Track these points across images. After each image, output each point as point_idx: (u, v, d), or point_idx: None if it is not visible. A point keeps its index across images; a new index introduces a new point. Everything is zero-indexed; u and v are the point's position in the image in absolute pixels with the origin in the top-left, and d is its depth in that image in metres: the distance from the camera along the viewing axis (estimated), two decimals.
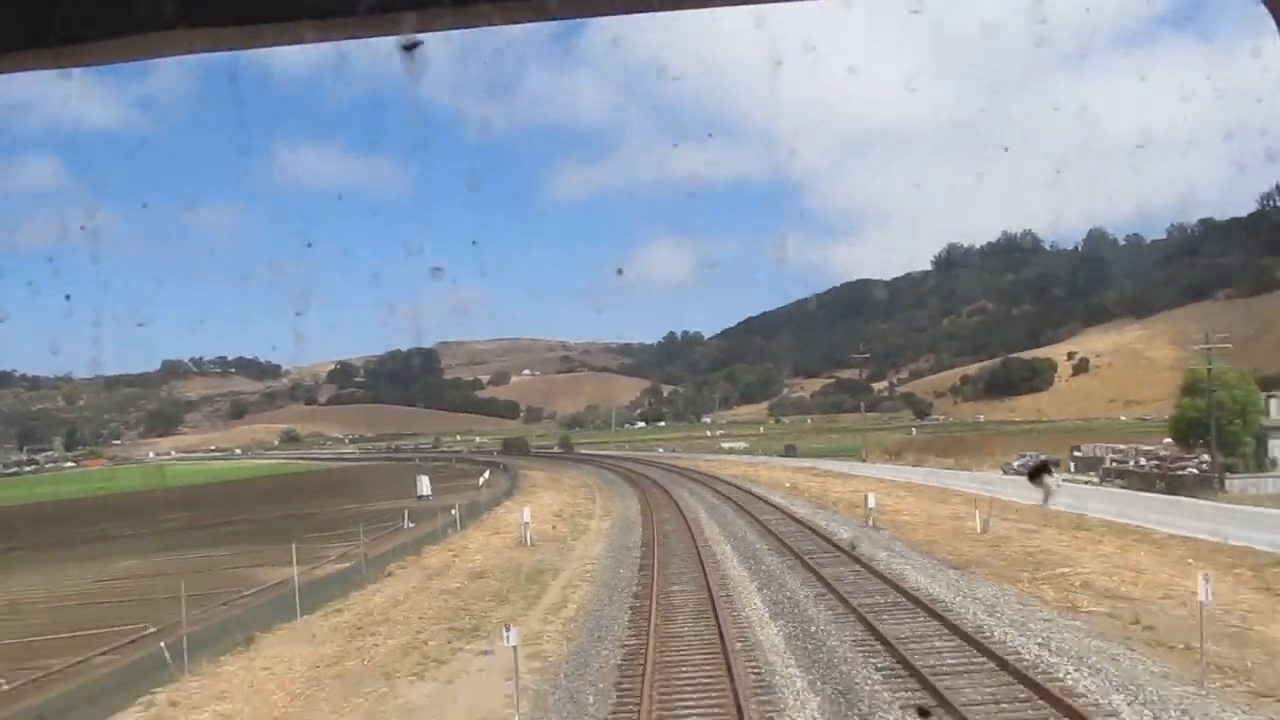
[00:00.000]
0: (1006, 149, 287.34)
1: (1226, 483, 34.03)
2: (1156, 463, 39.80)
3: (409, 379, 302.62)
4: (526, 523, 25.19)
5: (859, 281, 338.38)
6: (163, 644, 15.87)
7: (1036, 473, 39.07)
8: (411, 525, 37.84)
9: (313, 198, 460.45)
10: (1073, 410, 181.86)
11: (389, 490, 70.94)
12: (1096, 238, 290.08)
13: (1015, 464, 48.30)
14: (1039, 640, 13.38)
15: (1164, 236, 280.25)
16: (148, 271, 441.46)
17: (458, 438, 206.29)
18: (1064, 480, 40.63)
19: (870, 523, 26.34)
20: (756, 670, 12.65)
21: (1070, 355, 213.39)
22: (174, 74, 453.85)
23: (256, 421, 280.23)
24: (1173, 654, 12.61)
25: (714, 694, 11.66)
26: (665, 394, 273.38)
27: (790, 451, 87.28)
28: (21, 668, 17.74)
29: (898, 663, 12.54)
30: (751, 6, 0.92)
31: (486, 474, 52.75)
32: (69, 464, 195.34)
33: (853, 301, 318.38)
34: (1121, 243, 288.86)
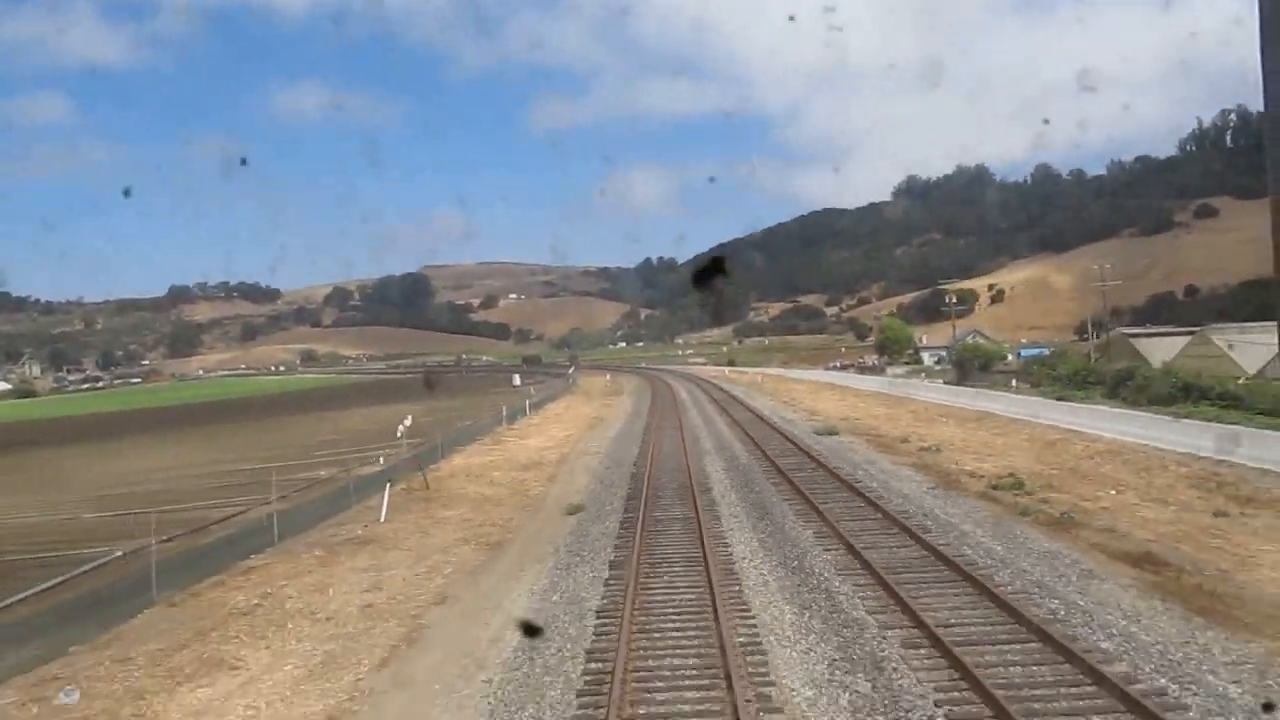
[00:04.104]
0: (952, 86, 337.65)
1: (887, 369, 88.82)
2: (870, 363, 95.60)
3: (404, 302, 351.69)
4: (608, 379, 79.99)
5: (825, 210, 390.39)
6: (505, 408, 69.82)
7: None
8: (533, 392, 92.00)
9: (303, 130, 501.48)
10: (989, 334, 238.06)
11: (482, 384, 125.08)
12: (1043, 172, 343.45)
13: (830, 365, 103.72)
14: (736, 388, 68.41)
15: (1104, 172, 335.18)
16: (147, 200, 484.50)
17: (464, 356, 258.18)
18: (835, 370, 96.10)
19: (725, 377, 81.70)
20: (671, 389, 67.71)
21: (991, 286, 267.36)
22: (177, 14, 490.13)
23: (268, 343, 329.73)
24: (759, 391, 67.68)
25: (661, 380, 66.72)
26: (643, 317, 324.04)
27: (732, 363, 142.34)
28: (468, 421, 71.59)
29: (698, 386, 67.58)
30: None
31: (572, 369, 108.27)
32: (135, 380, 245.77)
33: (819, 230, 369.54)
34: (1065, 177, 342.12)
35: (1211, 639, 10.82)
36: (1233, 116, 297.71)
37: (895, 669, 10.14)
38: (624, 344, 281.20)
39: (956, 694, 9.31)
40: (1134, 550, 15.50)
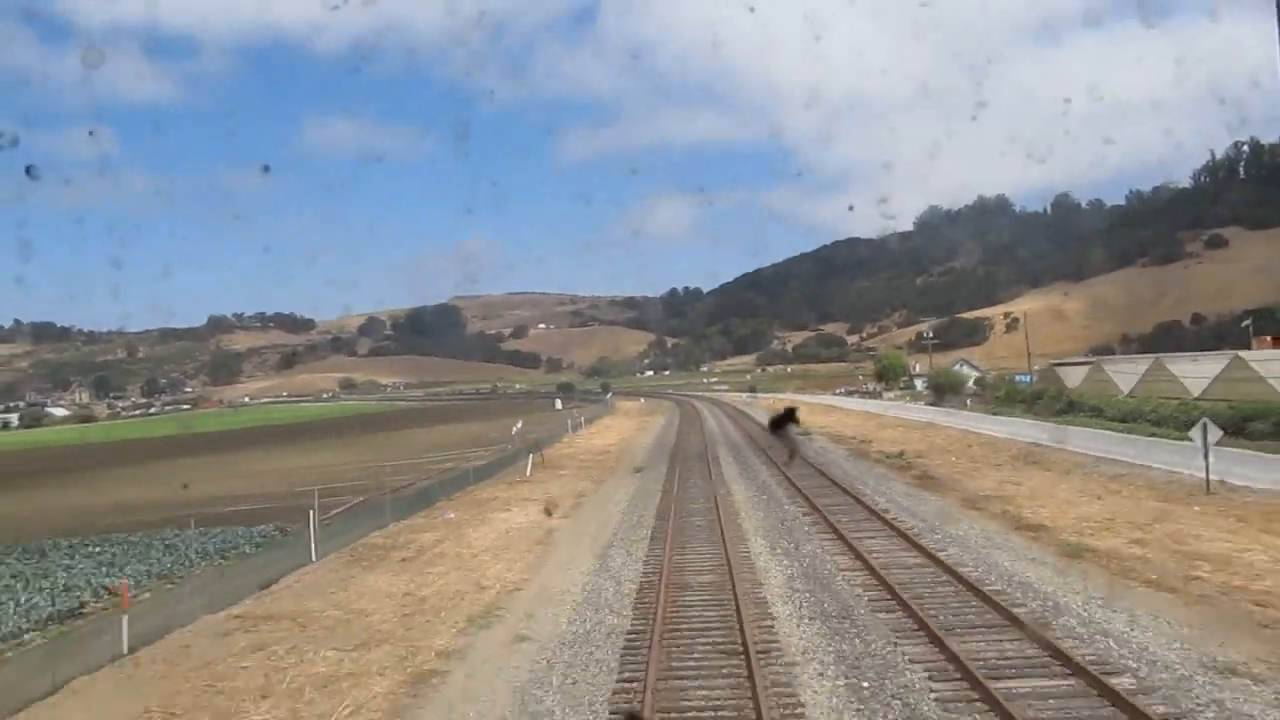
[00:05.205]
0: (976, 116, 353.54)
1: (883, 393, 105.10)
2: (870, 388, 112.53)
3: (437, 332, 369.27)
4: (642, 401, 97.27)
5: (847, 240, 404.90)
6: (569, 421, 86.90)
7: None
8: (577, 413, 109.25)
9: (339, 164, 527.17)
10: (997, 361, 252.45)
11: (528, 407, 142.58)
12: (1062, 202, 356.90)
13: (837, 390, 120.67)
14: (748, 408, 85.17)
15: (1123, 202, 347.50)
16: (187, 231, 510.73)
17: (497, 384, 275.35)
18: (840, 394, 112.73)
19: (745, 401, 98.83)
20: (695, 408, 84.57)
21: (1006, 315, 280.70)
22: (218, 53, 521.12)
23: (307, 371, 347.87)
24: (767, 411, 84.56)
25: (688, 403, 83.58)
26: (669, 346, 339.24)
27: (753, 390, 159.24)
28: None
29: (718, 407, 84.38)
30: None
31: (609, 395, 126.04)
32: (185, 406, 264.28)
33: (841, 259, 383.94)
34: (1084, 207, 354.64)
35: (916, 493, 27.73)
36: (1245, 148, 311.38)
37: (781, 500, 27.30)
38: (651, 372, 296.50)
39: (801, 501, 26.28)
40: (924, 475, 32.38)
